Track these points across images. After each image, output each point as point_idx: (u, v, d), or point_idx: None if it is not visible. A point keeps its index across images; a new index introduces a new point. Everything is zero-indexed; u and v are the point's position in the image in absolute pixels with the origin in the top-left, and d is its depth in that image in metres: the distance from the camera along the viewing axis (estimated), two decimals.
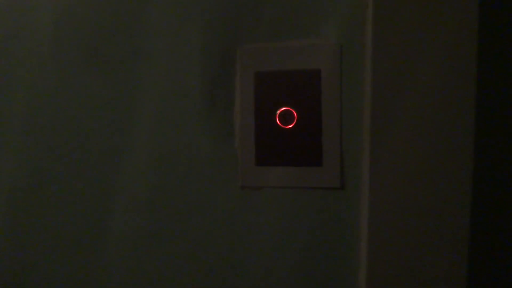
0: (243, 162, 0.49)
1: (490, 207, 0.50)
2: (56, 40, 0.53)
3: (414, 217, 0.43)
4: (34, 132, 0.54)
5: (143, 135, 0.51)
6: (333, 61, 0.46)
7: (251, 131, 0.48)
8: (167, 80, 0.50)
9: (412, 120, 0.42)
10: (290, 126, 0.47)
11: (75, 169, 0.54)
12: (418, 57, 0.41)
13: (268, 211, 0.49)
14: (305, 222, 0.48)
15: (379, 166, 0.43)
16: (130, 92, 0.51)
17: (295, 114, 0.47)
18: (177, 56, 0.50)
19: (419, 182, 0.42)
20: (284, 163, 0.48)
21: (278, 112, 0.48)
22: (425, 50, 0.41)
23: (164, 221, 0.52)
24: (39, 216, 0.55)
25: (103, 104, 0.52)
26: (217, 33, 0.49)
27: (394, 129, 0.42)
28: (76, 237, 0.54)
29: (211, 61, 0.49)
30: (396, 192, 0.43)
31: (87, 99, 0.53)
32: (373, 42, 0.42)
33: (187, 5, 0.49)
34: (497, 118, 0.49)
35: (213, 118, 0.50)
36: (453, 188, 0.42)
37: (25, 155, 0.55)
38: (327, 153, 0.47)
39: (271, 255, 0.50)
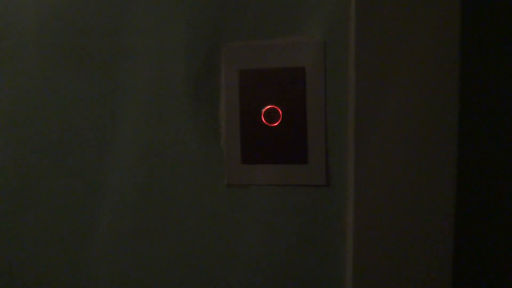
0: (229, 160, 0.49)
1: (474, 203, 0.51)
2: (41, 39, 0.52)
3: (399, 214, 0.43)
4: (20, 130, 0.54)
5: (128, 134, 0.51)
6: (317, 59, 0.46)
7: (237, 129, 0.48)
8: (152, 79, 0.50)
9: (396, 117, 0.42)
10: (275, 124, 0.47)
11: (61, 168, 0.53)
12: (402, 54, 0.41)
13: (255, 209, 0.49)
14: (291, 219, 0.49)
15: (364, 163, 0.43)
16: (115, 91, 0.51)
17: (280, 112, 0.47)
18: (161, 54, 0.50)
19: (404, 179, 0.43)
20: (269, 161, 0.48)
21: (263, 110, 0.48)
22: (408, 46, 0.41)
23: (151, 219, 0.52)
24: (26, 214, 0.55)
25: (88, 103, 0.52)
26: (201, 31, 0.48)
27: (378, 126, 0.42)
28: (63, 235, 0.54)
29: (195, 60, 0.49)
30: (381, 189, 0.43)
31: (72, 98, 0.52)
32: (356, 39, 0.42)
33: (171, 4, 0.49)
34: (480, 113, 0.50)
35: (198, 116, 0.49)
36: (437, 184, 0.42)
37: (11, 153, 0.54)
38: (312, 151, 0.47)
39: (258, 252, 0.50)
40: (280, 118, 0.47)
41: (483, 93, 0.49)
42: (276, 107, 0.47)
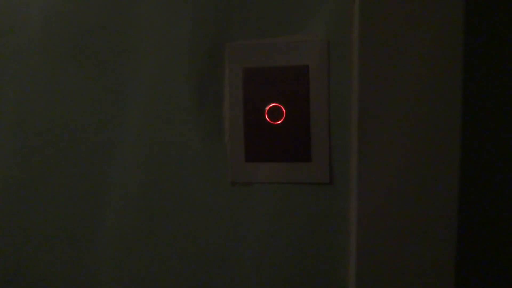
0: (233, 158, 0.49)
1: (477, 200, 0.51)
2: (46, 37, 0.52)
3: (402, 212, 0.43)
4: (25, 129, 0.54)
5: (132, 132, 0.51)
6: (321, 57, 0.46)
7: (240, 127, 0.49)
8: (156, 77, 0.50)
9: (399, 115, 0.42)
10: (279, 122, 0.48)
11: (66, 166, 0.53)
12: (405, 53, 0.42)
13: (258, 207, 0.49)
14: (295, 217, 0.49)
15: (368, 161, 0.43)
16: (120, 89, 0.51)
17: (284, 110, 0.47)
18: (165, 53, 0.50)
19: (407, 177, 0.43)
20: (273, 158, 0.48)
21: (266, 108, 0.48)
22: (412, 45, 0.41)
23: (155, 217, 0.52)
24: (30, 212, 0.55)
25: (92, 101, 0.52)
26: (206, 29, 0.49)
27: (382, 124, 0.43)
28: (67, 233, 0.54)
29: (199, 58, 0.49)
30: (385, 186, 0.43)
31: (77, 96, 0.52)
32: (360, 37, 0.42)
33: (175, 2, 0.49)
34: (483, 111, 0.50)
35: (202, 115, 0.50)
36: (440, 182, 0.42)
37: (15, 151, 0.54)
38: (315, 149, 0.47)
39: (261, 250, 0.50)
40: (284, 116, 0.47)
41: (487, 91, 0.49)
42: (280, 105, 0.47)
